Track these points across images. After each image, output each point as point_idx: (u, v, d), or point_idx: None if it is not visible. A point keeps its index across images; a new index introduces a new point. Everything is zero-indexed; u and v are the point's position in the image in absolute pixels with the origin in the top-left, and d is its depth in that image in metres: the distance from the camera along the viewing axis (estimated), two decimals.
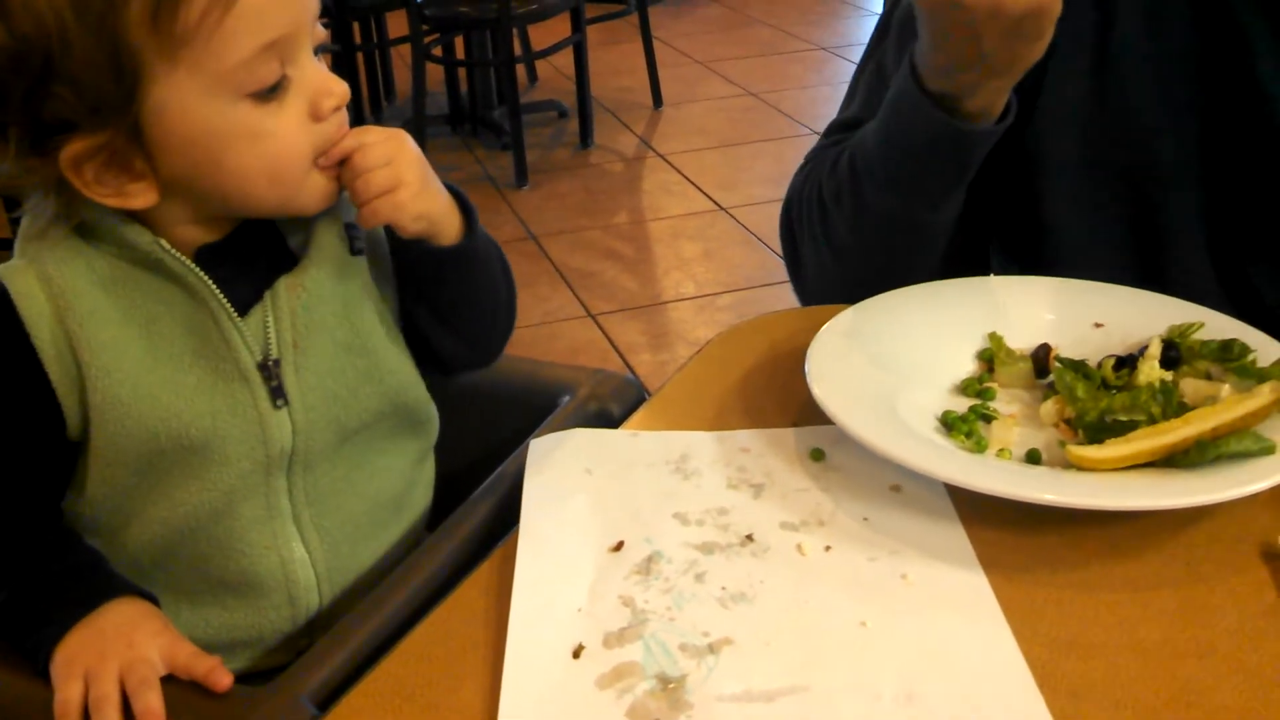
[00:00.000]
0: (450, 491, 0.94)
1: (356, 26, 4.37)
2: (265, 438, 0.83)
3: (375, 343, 0.88)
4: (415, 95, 3.85)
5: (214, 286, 0.80)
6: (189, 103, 0.73)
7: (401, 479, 0.95)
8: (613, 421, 0.95)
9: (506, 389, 1.07)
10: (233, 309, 0.81)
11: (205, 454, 0.82)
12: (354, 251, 0.86)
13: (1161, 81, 1.01)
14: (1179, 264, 1.04)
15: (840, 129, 1.15)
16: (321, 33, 0.80)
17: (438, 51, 4.11)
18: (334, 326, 0.85)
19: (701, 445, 0.86)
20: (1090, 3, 1.02)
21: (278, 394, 0.83)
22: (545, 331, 2.91)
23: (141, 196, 0.77)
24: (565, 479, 0.83)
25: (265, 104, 0.76)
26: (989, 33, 0.85)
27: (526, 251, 3.35)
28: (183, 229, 0.81)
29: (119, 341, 0.79)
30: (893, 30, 1.13)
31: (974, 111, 0.93)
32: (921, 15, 0.89)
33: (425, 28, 3.88)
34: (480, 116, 4.25)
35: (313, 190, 0.80)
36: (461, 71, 4.30)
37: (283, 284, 0.83)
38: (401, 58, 4.75)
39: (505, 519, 0.81)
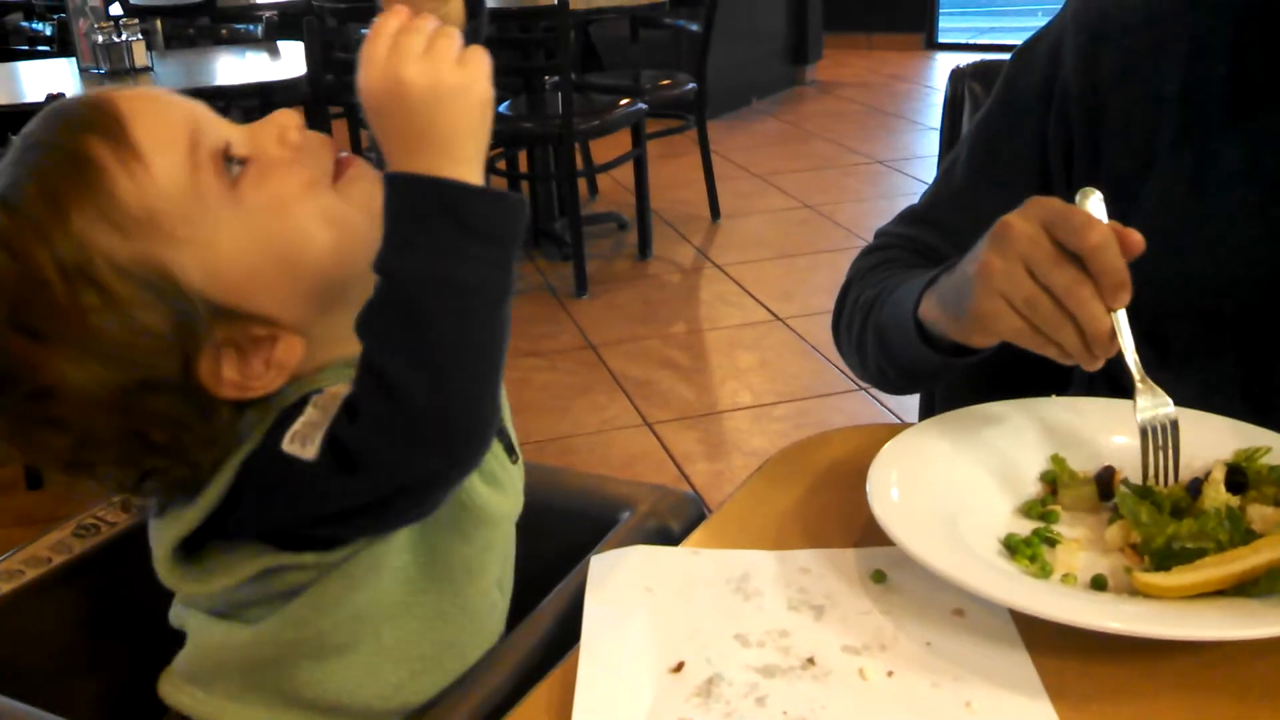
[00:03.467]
0: (511, 607, 0.94)
1: None
2: (517, 493, 0.84)
3: None
4: None
5: None
6: (218, 241, 0.73)
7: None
8: (672, 539, 0.96)
9: (566, 504, 1.07)
10: None
11: (477, 517, 0.82)
12: None
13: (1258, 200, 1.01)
14: None
15: (916, 221, 1.18)
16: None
17: (502, 165, 4.23)
18: None
19: (762, 565, 0.86)
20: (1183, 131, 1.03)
21: (510, 450, 0.84)
22: (602, 440, 2.92)
23: (288, 349, 0.76)
24: (626, 597, 0.83)
25: (254, 186, 0.75)
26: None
27: (585, 360, 3.39)
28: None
29: None
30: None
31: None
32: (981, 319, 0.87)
33: (490, 142, 3.98)
34: (542, 228, 4.33)
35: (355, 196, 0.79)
36: (524, 184, 4.41)
37: None
38: None
39: (566, 636, 0.82)
